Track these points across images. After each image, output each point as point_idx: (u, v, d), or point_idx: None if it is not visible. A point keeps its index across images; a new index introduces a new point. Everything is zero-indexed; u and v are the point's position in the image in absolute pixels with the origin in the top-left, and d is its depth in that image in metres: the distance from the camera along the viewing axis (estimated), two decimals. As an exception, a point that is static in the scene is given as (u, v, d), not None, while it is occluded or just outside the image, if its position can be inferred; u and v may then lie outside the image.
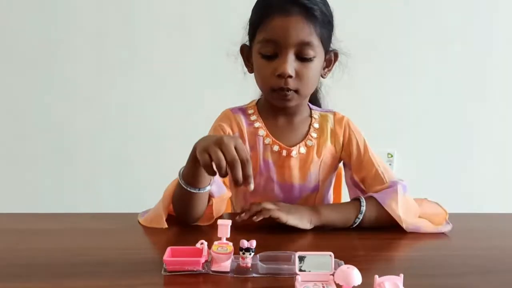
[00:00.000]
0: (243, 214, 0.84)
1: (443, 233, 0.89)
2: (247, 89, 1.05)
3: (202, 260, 0.65)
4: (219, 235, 0.68)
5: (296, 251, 0.62)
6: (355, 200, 0.92)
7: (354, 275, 0.57)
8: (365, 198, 0.90)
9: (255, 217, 0.83)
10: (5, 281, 0.62)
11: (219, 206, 0.89)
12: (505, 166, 1.99)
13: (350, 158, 1.00)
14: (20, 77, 1.72)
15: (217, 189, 0.88)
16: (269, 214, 0.83)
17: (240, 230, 0.77)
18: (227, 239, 0.68)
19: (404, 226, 0.87)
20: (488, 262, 0.75)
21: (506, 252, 0.81)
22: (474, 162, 1.97)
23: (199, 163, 0.75)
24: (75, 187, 1.79)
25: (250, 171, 0.71)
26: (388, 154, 1.91)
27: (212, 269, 0.65)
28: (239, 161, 0.70)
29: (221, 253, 0.65)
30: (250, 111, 1.00)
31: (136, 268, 0.67)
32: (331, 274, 0.60)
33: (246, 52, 0.97)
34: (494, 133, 1.96)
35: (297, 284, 0.59)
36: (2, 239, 0.80)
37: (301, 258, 0.60)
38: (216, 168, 0.71)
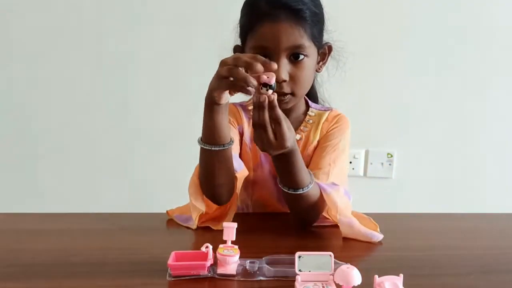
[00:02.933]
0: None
1: (442, 233, 0.89)
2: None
3: (208, 264, 0.64)
4: (224, 238, 0.67)
5: (294, 251, 0.62)
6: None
7: (354, 275, 0.57)
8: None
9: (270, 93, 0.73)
10: (5, 281, 0.62)
11: (238, 184, 0.89)
12: (505, 166, 1.98)
13: (317, 145, 0.98)
14: (20, 77, 1.72)
15: (237, 165, 0.88)
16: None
17: (243, 235, 0.73)
18: (232, 242, 0.67)
19: (338, 217, 0.84)
20: (488, 262, 0.75)
21: (506, 252, 0.82)
22: (474, 162, 1.97)
23: (216, 113, 0.77)
24: (75, 187, 1.79)
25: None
26: (388, 154, 1.91)
27: (218, 272, 0.64)
28: (249, 59, 0.69)
29: (227, 255, 0.64)
30: (250, 108, 1.01)
31: (136, 268, 0.67)
32: (331, 274, 0.60)
33: (239, 52, 0.96)
34: (494, 133, 1.95)
35: (297, 284, 0.59)
36: (2, 239, 0.80)
37: (301, 258, 0.60)
38: (244, 84, 0.70)
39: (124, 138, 1.78)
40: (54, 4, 1.68)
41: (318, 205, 0.87)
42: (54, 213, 0.95)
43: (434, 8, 1.83)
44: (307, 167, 0.89)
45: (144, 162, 1.78)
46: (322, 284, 0.60)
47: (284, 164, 0.83)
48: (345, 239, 0.84)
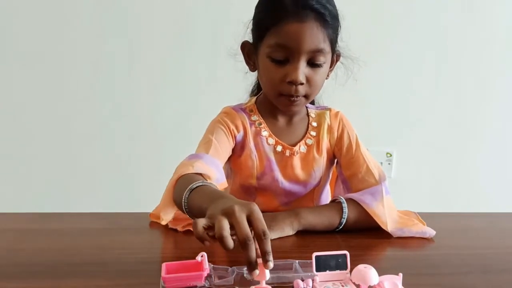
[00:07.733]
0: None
1: (442, 232, 0.88)
2: (243, 89, 1.06)
3: (204, 274, 0.61)
4: (256, 278, 0.56)
5: (292, 251, 0.62)
6: (336, 203, 0.90)
7: (372, 274, 0.57)
8: (346, 200, 0.89)
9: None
10: (5, 281, 0.62)
11: None
12: (505, 165, 1.99)
13: (340, 153, 1.00)
14: (20, 77, 1.72)
15: (219, 176, 0.86)
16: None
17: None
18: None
19: (389, 230, 0.86)
20: (488, 262, 0.75)
21: (506, 251, 0.82)
22: (474, 161, 1.97)
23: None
24: (75, 187, 1.79)
25: (269, 246, 0.56)
26: (387, 153, 1.91)
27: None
28: (252, 240, 0.55)
29: None
30: (250, 111, 1.00)
31: (135, 268, 0.67)
32: (347, 273, 0.60)
33: (248, 49, 0.95)
34: (494, 133, 1.96)
35: (316, 284, 0.59)
36: (2, 239, 0.80)
37: (317, 258, 0.60)
38: (221, 244, 0.56)
39: (123, 138, 1.78)
40: (54, 4, 1.68)
41: (368, 217, 0.88)
42: (54, 213, 0.96)
43: (433, 8, 1.83)
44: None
45: (143, 162, 1.79)
46: (340, 283, 0.60)
47: (310, 228, 0.86)
48: (343, 238, 0.84)
